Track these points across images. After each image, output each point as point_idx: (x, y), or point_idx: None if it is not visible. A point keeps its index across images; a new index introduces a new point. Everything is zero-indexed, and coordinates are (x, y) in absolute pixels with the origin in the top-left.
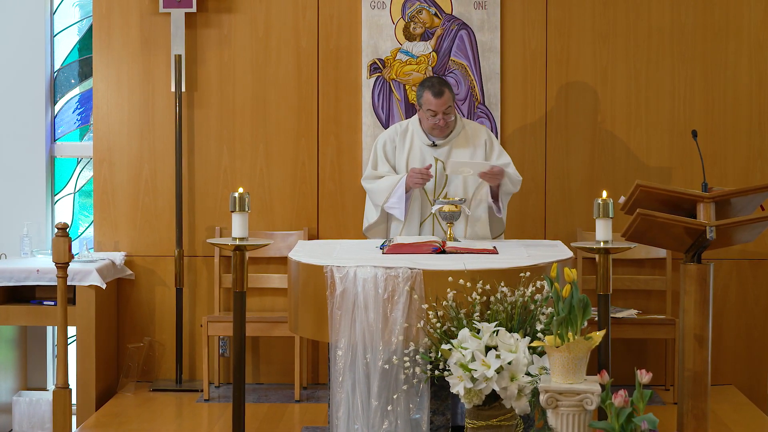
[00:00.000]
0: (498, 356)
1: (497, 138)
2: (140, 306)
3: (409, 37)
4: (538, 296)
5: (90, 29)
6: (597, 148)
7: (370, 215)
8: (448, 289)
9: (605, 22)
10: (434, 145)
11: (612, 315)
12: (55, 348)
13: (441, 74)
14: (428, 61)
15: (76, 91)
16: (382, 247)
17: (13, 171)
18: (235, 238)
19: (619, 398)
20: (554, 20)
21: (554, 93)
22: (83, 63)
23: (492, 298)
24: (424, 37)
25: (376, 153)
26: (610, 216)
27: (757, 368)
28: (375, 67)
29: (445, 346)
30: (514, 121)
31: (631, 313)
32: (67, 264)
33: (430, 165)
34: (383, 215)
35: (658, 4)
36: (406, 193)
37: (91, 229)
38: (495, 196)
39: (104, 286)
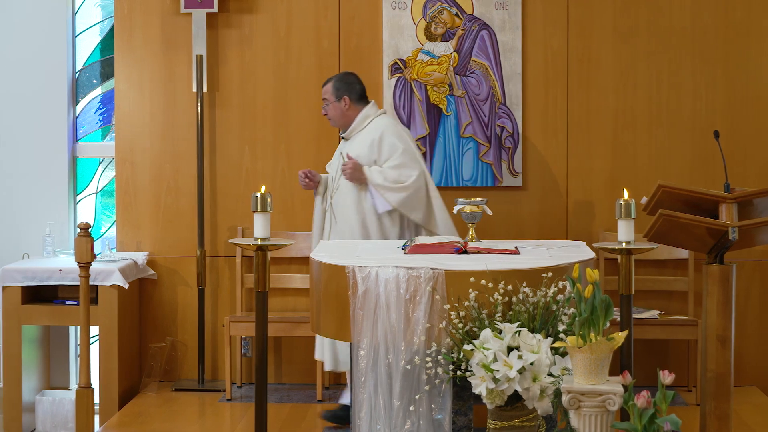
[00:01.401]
0: (520, 357)
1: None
2: (162, 306)
3: (431, 37)
4: (560, 297)
5: (112, 29)
6: (619, 149)
7: None
8: (470, 290)
9: (626, 21)
10: (344, 139)
11: (634, 316)
12: (78, 347)
13: (462, 74)
14: (449, 62)
15: (98, 91)
16: (404, 247)
17: (35, 171)
18: (257, 238)
19: (642, 399)
20: (575, 20)
21: (575, 93)
22: (105, 63)
23: (514, 299)
24: (446, 37)
25: None
26: (632, 217)
27: None
28: (396, 68)
29: (467, 347)
30: (535, 122)
31: (653, 313)
32: (90, 264)
33: (305, 171)
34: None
35: (680, 4)
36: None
37: (113, 229)
38: None
39: (127, 286)
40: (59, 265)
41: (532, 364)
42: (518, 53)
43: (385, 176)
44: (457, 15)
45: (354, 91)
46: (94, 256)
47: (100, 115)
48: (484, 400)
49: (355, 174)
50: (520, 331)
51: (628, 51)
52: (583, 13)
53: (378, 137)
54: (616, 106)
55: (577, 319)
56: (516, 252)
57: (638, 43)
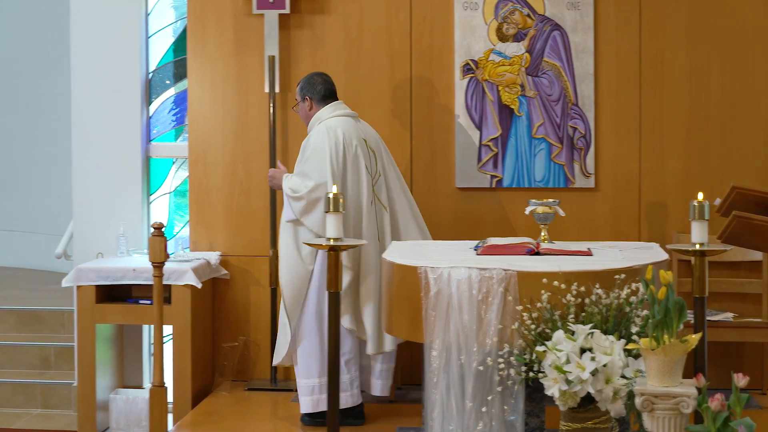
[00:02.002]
0: (593, 358)
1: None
2: (235, 305)
3: (502, 38)
4: (633, 298)
5: (184, 31)
6: (692, 150)
7: None
8: (543, 291)
9: (699, 21)
10: None
11: (708, 318)
12: (152, 346)
13: (534, 75)
14: (521, 62)
15: (171, 92)
16: (476, 248)
17: (109, 171)
18: (329, 239)
19: (716, 402)
20: (647, 20)
21: (648, 94)
22: (178, 64)
23: (587, 300)
24: (517, 37)
25: None
26: (706, 218)
27: None
28: (468, 68)
29: (539, 348)
30: (607, 123)
31: (726, 316)
32: (163, 263)
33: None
34: None
35: (753, 4)
36: None
37: (186, 229)
38: None
39: (200, 286)
40: (133, 264)
41: (605, 365)
42: (590, 54)
43: (288, 185)
44: (528, 15)
45: (316, 91)
46: (167, 256)
47: (173, 115)
48: (557, 402)
49: (274, 182)
50: (593, 333)
51: (701, 51)
52: (656, 13)
53: (305, 142)
54: (689, 107)
55: (650, 321)
56: (588, 253)
57: (711, 44)
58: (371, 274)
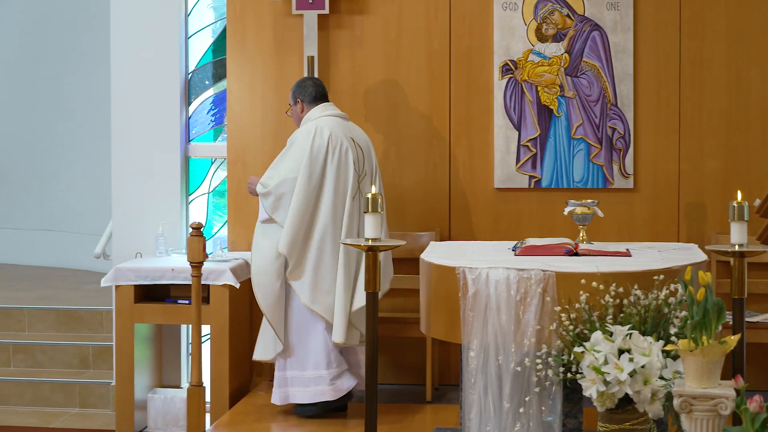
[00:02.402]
0: (631, 359)
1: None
2: None
3: (541, 38)
4: (671, 299)
5: (224, 31)
6: (732, 150)
7: None
8: (581, 292)
9: (740, 22)
10: None
11: (747, 319)
12: (189, 346)
13: (573, 75)
14: (560, 63)
15: (210, 92)
16: (514, 249)
17: (148, 171)
18: (367, 239)
19: (755, 403)
20: (687, 21)
21: (687, 94)
22: (217, 64)
23: (625, 301)
24: (557, 38)
25: None
26: (745, 219)
27: None
28: (507, 69)
29: (577, 349)
30: (647, 123)
31: (766, 317)
32: (202, 263)
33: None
34: None
35: None
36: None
37: (224, 229)
38: None
39: (238, 286)
40: (171, 264)
41: (643, 367)
42: (630, 54)
43: (260, 182)
44: (568, 16)
45: (307, 93)
46: (206, 256)
47: (212, 115)
48: (595, 403)
49: (251, 188)
50: (631, 334)
51: (742, 51)
52: (696, 13)
53: (290, 138)
54: (729, 108)
55: (689, 322)
56: (627, 254)
57: (752, 44)
58: (354, 262)
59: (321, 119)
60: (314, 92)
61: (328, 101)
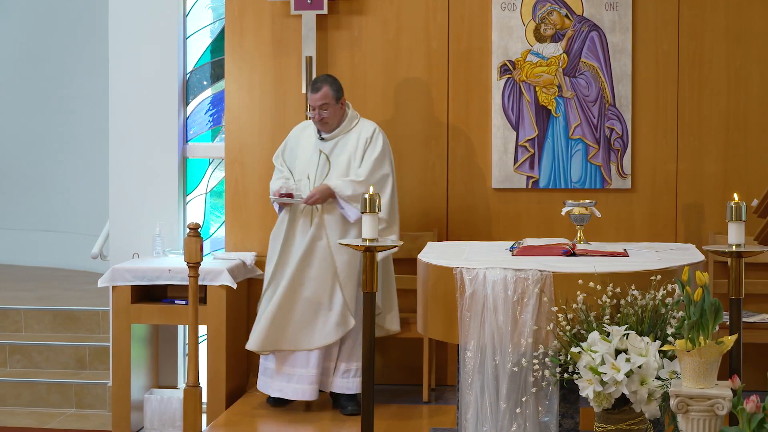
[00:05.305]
0: (628, 360)
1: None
2: None
3: (540, 38)
4: (669, 300)
5: (222, 31)
6: (730, 151)
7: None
8: (578, 292)
9: (739, 22)
10: (322, 138)
11: (744, 319)
12: (186, 347)
13: (571, 76)
14: (559, 63)
15: (208, 92)
16: (511, 249)
17: (146, 171)
18: (365, 240)
19: (751, 404)
20: (686, 21)
21: (686, 94)
22: (215, 65)
23: (622, 301)
24: (555, 38)
25: (284, 142)
26: (743, 219)
27: None
28: (505, 69)
29: (574, 349)
30: (645, 123)
31: (763, 317)
32: (199, 264)
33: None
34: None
35: None
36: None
37: (222, 230)
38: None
39: (235, 286)
40: (169, 264)
41: (640, 367)
42: (628, 54)
43: (354, 188)
44: (566, 16)
45: (343, 92)
46: (202, 257)
47: (210, 116)
48: (591, 403)
49: (324, 198)
50: (628, 334)
51: (741, 52)
52: (695, 13)
53: (371, 135)
54: (727, 108)
55: (686, 322)
56: (624, 254)
57: (751, 44)
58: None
59: (365, 119)
60: None
61: None
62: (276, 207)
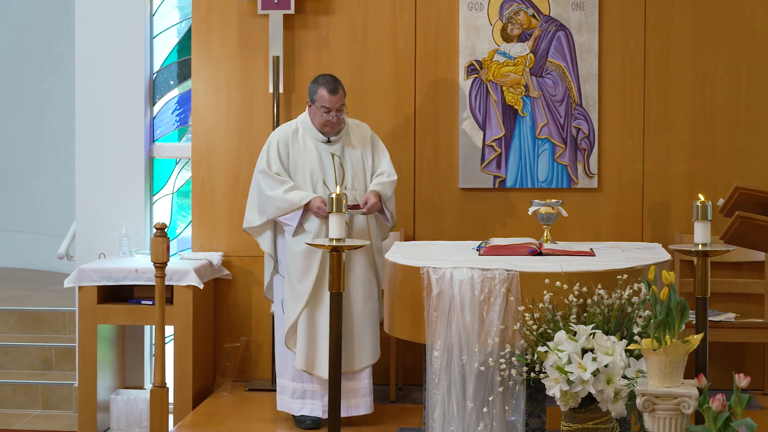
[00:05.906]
0: (594, 359)
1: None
2: (237, 306)
3: (507, 38)
4: (635, 299)
5: (189, 31)
6: (696, 150)
7: (252, 219)
8: (545, 291)
9: (706, 22)
10: (329, 141)
11: (710, 318)
12: (153, 347)
13: (538, 75)
14: (525, 63)
15: (175, 92)
16: (478, 249)
17: (112, 171)
18: (332, 239)
19: (717, 402)
20: (653, 21)
21: (653, 94)
22: (182, 65)
23: (589, 301)
24: (522, 38)
25: (269, 152)
26: (709, 218)
27: None
28: (472, 69)
29: (541, 349)
30: (611, 123)
31: (729, 316)
32: (165, 264)
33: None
34: (268, 224)
35: (761, 4)
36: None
37: (189, 230)
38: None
39: (201, 286)
40: (135, 265)
41: (606, 366)
42: (595, 54)
43: (391, 190)
44: (533, 16)
45: None
46: (169, 257)
47: (177, 116)
48: (558, 402)
49: (376, 207)
50: (594, 333)
51: (707, 51)
52: (661, 13)
53: (371, 134)
54: (694, 107)
55: (652, 321)
56: (591, 254)
57: (717, 44)
58: None
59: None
60: None
61: None
62: (291, 222)
